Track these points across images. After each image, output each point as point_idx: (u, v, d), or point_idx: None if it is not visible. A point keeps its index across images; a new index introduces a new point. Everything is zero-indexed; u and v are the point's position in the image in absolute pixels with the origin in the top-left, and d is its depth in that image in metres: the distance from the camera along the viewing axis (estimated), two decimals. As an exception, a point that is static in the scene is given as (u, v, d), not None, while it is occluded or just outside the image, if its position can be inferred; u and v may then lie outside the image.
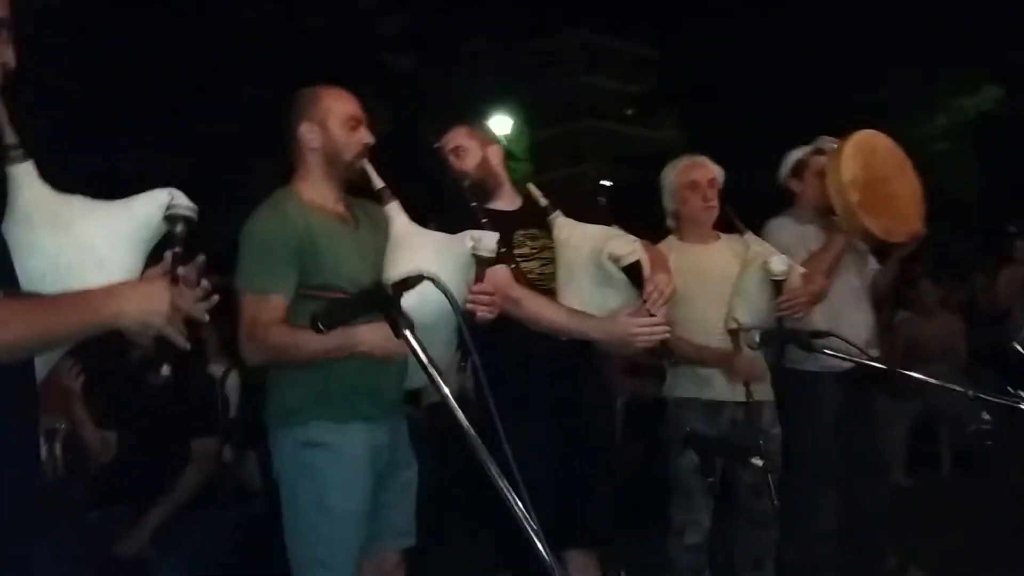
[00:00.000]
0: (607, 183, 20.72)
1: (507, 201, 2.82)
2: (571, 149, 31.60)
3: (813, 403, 3.41)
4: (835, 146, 3.33)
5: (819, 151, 3.46)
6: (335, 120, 2.41)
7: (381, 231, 2.44)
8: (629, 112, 29.47)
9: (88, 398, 3.39)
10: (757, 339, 2.65)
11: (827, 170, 3.32)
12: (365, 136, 2.44)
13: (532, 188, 2.85)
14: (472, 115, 2.94)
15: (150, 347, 3.08)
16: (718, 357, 3.08)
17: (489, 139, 2.85)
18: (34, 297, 1.50)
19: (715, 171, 3.28)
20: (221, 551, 3.20)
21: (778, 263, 2.93)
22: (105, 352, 3.38)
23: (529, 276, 2.70)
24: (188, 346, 1.54)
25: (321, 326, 1.52)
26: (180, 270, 1.61)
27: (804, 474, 3.44)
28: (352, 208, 2.49)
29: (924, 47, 12.01)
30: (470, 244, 2.30)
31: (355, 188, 2.51)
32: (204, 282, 1.65)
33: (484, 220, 2.57)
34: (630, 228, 2.86)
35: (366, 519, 2.34)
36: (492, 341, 2.30)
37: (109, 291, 1.50)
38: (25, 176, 1.64)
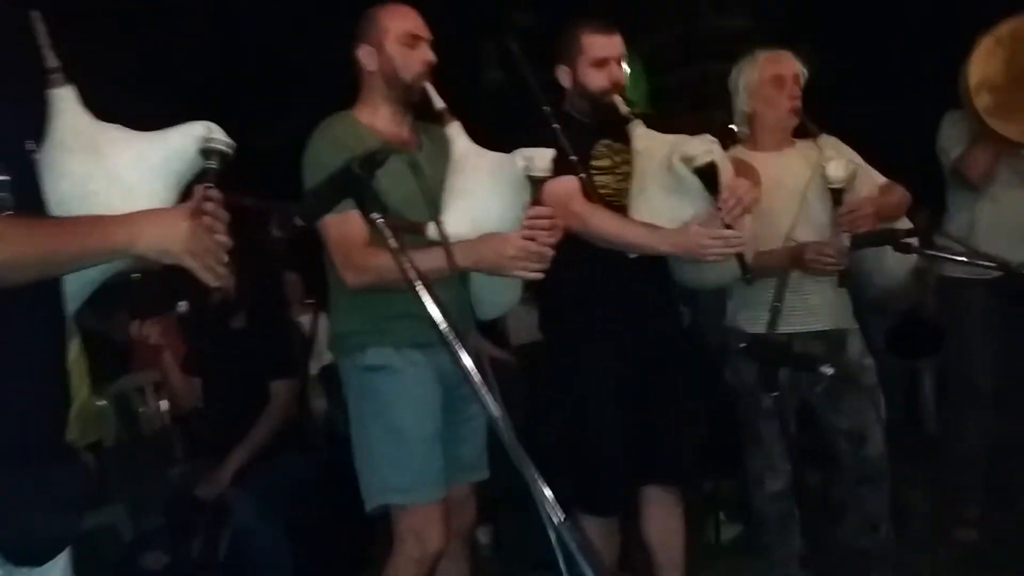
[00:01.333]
0: (736, 128, 19.94)
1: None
2: (698, 94, 30.56)
3: (960, 312, 3.20)
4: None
5: None
6: (392, 39, 2.26)
7: (444, 155, 2.29)
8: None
9: (174, 346, 3.41)
10: (847, 242, 2.34)
11: (960, 73, 2.97)
12: (426, 54, 2.28)
13: (615, 96, 2.55)
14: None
15: (229, 291, 3.07)
16: (792, 253, 2.65)
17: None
18: (47, 217, 1.43)
19: (798, 66, 2.81)
20: (303, 494, 3.16)
21: (835, 168, 2.52)
22: (188, 299, 3.39)
23: (602, 191, 2.49)
24: (212, 281, 1.45)
25: (301, 220, 1.40)
26: (208, 205, 1.51)
27: (951, 392, 3.21)
28: (418, 132, 2.36)
29: None
30: (522, 164, 2.11)
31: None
32: (223, 213, 1.54)
33: (555, 125, 2.38)
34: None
35: (438, 442, 2.23)
36: (559, 261, 2.14)
37: (125, 217, 1.44)
38: (64, 100, 1.60)
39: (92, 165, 1.57)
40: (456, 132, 2.29)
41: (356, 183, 1.32)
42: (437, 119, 2.31)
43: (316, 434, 3.63)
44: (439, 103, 2.27)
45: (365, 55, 2.29)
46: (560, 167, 2.28)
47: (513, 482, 1.26)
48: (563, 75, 2.59)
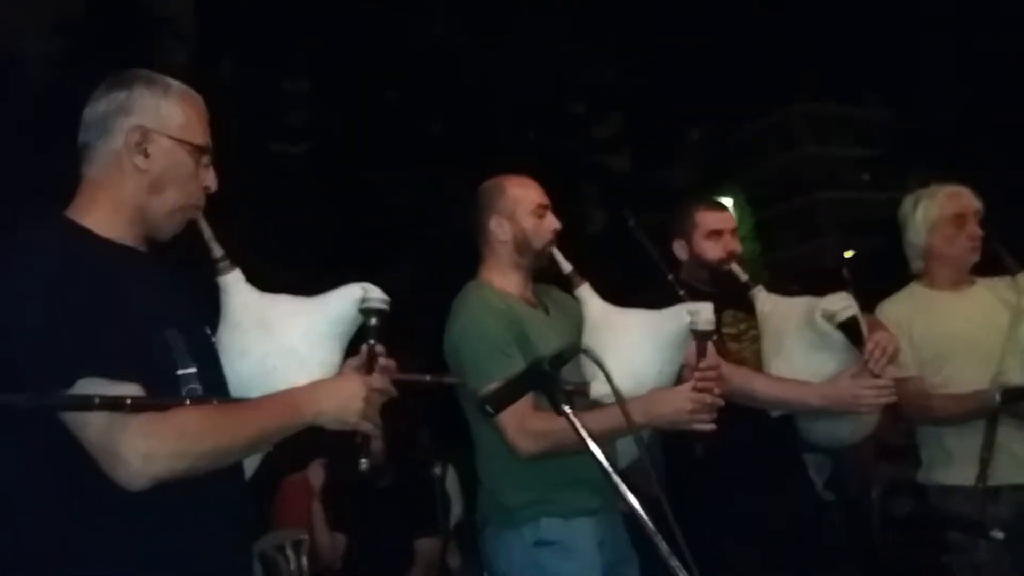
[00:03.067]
0: (849, 254, 19.65)
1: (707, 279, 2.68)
2: (807, 223, 30.49)
3: None
4: None
5: None
6: (523, 210, 2.38)
7: (571, 316, 2.38)
8: (866, 177, 28.04)
9: (323, 503, 3.50)
10: (998, 397, 2.27)
11: None
12: (553, 222, 2.39)
13: (733, 265, 2.64)
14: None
15: (379, 453, 3.17)
16: (979, 400, 2.53)
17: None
18: (240, 402, 1.57)
19: (977, 203, 2.76)
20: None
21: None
22: (340, 458, 3.49)
23: (731, 358, 2.51)
24: (381, 437, 1.54)
25: (490, 409, 1.47)
26: (379, 361, 1.63)
27: None
28: (539, 295, 2.45)
29: None
30: (687, 319, 2.16)
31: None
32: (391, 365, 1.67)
33: (682, 293, 2.43)
34: (877, 297, 2.68)
35: None
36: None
37: (308, 391, 1.57)
38: (234, 284, 1.73)
39: (267, 342, 1.67)
40: (587, 294, 2.35)
41: (545, 379, 1.40)
42: (564, 282, 2.39)
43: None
44: (566, 267, 2.36)
45: (496, 226, 2.39)
46: None
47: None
48: (679, 248, 2.72)
